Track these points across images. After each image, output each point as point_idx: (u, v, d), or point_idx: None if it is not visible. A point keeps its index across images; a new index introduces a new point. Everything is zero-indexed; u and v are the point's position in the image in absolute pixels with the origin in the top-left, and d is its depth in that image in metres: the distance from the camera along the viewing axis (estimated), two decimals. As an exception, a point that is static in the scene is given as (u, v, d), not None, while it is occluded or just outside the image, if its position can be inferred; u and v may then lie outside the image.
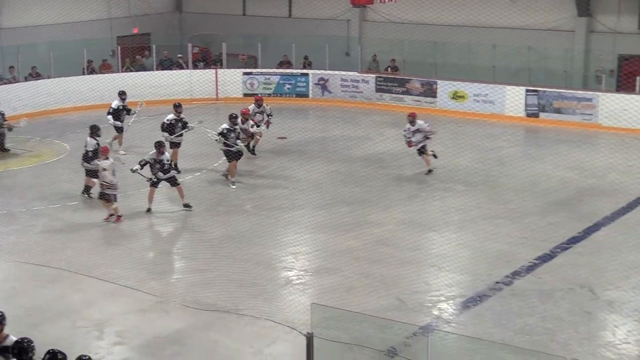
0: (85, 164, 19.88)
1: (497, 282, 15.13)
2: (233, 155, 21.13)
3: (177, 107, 22.43)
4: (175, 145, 22.19)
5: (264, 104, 24.14)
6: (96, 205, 19.40)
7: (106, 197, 18.47)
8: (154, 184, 19.15)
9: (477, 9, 30.78)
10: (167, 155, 19.35)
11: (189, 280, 15.57)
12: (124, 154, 22.89)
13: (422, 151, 22.04)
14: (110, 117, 24.02)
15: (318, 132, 27.05)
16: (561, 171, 22.11)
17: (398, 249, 16.89)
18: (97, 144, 19.76)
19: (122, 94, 24.27)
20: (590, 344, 12.94)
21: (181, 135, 22.16)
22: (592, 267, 15.71)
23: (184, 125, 22.22)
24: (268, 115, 24.00)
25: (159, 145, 19.11)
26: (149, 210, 19.14)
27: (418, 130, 22.02)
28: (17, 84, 29.77)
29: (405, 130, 22.28)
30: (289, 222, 18.70)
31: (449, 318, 13.95)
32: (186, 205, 19.31)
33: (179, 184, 19.40)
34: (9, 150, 24.58)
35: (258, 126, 23.45)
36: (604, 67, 28.97)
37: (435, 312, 14.15)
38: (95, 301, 14.58)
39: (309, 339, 9.50)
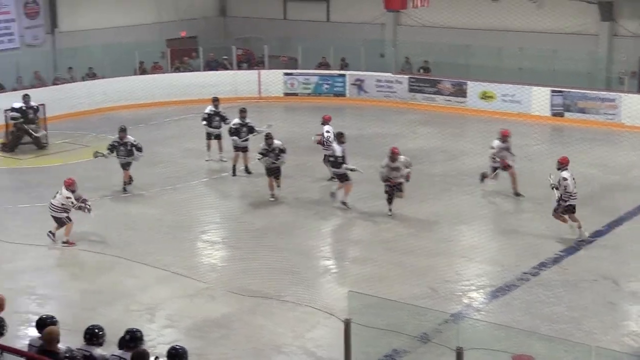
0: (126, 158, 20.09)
1: (524, 273, 15.06)
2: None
3: (242, 111, 21.51)
4: (241, 149, 21.44)
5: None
6: (149, 197, 19.57)
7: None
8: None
9: (505, 14, 30.51)
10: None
11: (235, 268, 15.65)
12: (225, 161, 22.58)
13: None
14: (235, 137, 21.94)
15: (354, 130, 26.91)
16: (585, 168, 21.85)
17: (430, 240, 16.86)
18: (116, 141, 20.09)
19: (215, 101, 23.16)
20: (614, 332, 12.84)
21: (247, 139, 21.31)
22: (616, 260, 15.59)
23: (250, 130, 21.31)
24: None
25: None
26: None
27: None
28: (74, 83, 30.07)
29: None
30: (328, 214, 18.71)
31: (478, 306, 13.92)
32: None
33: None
34: (45, 145, 24.75)
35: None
36: (626, 70, 28.65)
37: (466, 301, 14.11)
38: (148, 286, 14.71)
39: (347, 324, 9.51)
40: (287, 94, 32.11)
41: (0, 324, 9.72)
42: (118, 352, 9.64)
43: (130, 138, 20.06)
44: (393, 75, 31.39)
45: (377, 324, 11.72)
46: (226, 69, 32.91)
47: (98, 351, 9.76)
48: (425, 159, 23.05)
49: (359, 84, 31.81)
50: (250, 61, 34.30)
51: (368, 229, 17.54)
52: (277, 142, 19.61)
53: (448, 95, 30.31)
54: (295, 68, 32.88)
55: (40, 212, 18.77)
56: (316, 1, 35.58)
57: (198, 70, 32.64)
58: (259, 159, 19.66)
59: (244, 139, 21.34)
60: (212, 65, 33.28)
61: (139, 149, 20.04)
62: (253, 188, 20.71)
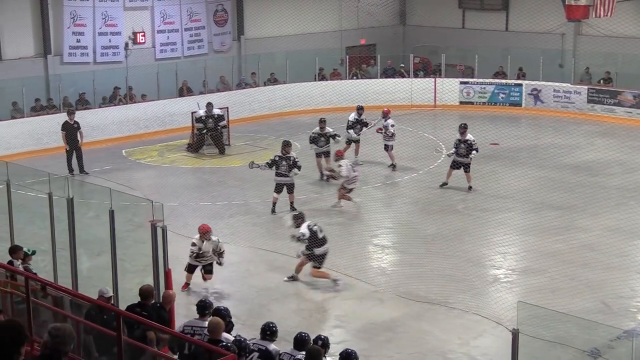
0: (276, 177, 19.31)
1: None
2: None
3: (322, 122, 22.10)
4: (320, 155, 21.95)
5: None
6: (321, 200, 19.82)
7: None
8: None
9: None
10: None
11: (404, 273, 15.61)
12: (362, 164, 22.89)
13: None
14: (351, 130, 23.47)
15: (529, 140, 26.41)
16: None
17: (604, 254, 16.24)
18: (279, 157, 19.30)
19: (359, 109, 23.67)
20: None
21: (328, 144, 21.83)
22: None
23: (328, 139, 21.80)
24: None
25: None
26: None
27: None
28: (257, 88, 30.92)
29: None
30: (499, 223, 18.38)
31: (653, 324, 13.29)
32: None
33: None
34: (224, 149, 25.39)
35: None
36: None
37: (640, 318, 13.52)
38: (319, 287, 14.84)
39: (515, 334, 9.28)
40: (462, 103, 31.77)
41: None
42: (288, 349, 9.83)
43: (292, 154, 19.55)
44: (572, 86, 30.46)
45: (545, 336, 11.39)
46: (403, 76, 32.94)
47: (272, 346, 9.98)
48: (602, 172, 22.28)
49: (535, 94, 31.07)
50: (426, 69, 34.16)
51: (540, 240, 17.08)
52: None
53: (629, 107, 29.12)
54: (472, 77, 32.50)
55: (219, 210, 19.41)
56: (495, 11, 35.02)
57: (375, 77, 32.82)
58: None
59: (324, 145, 21.88)
60: (389, 72, 33.37)
61: (299, 167, 19.32)
62: (426, 194, 20.60)
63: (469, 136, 20.86)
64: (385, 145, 23.07)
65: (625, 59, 30.20)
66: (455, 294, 14.31)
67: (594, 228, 17.77)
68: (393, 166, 22.95)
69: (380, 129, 23.14)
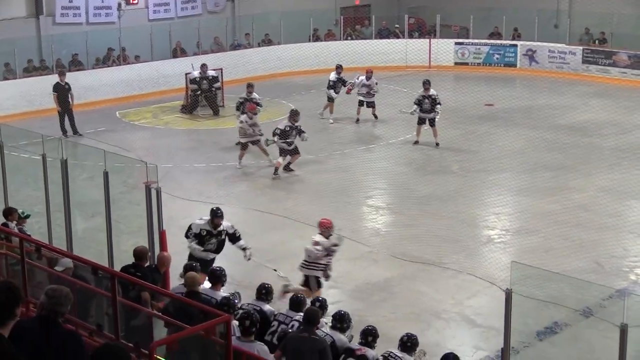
0: (281, 142, 18.85)
1: (697, 252, 14.35)
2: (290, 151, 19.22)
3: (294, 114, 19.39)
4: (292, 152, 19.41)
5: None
6: (317, 161, 19.81)
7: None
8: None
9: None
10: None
11: (398, 234, 15.64)
12: (332, 123, 23.40)
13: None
14: (331, 90, 23.95)
15: (524, 101, 26.37)
16: None
17: (597, 214, 16.28)
18: (288, 126, 18.85)
19: (339, 68, 24.27)
20: None
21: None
22: None
23: (299, 133, 19.12)
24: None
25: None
26: None
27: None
28: (251, 49, 30.76)
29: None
30: (493, 184, 18.39)
31: (646, 283, 13.37)
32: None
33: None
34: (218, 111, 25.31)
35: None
36: None
37: (633, 277, 13.60)
38: (312, 248, 14.86)
39: (508, 294, 9.30)
40: (457, 63, 31.70)
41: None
42: (284, 310, 9.88)
43: (299, 123, 19.09)
44: (567, 46, 30.36)
45: (538, 296, 11.45)
46: (397, 37, 32.78)
47: (267, 307, 10.02)
48: (596, 132, 22.29)
49: (530, 55, 30.98)
50: (421, 30, 33.98)
51: (534, 200, 17.12)
52: None
53: (624, 67, 29.06)
54: (467, 37, 32.36)
55: (213, 171, 19.41)
56: (491, -30, 34.79)
57: (370, 38, 32.67)
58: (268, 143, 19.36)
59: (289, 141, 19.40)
60: (384, 33, 33.22)
61: (303, 131, 19.03)
62: (420, 155, 20.62)
63: (432, 91, 21.12)
64: (369, 102, 23.49)
65: (620, 19, 30.06)
66: (449, 254, 14.36)
67: (587, 188, 17.81)
68: (375, 116, 23.70)
69: (350, 89, 23.76)
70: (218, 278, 10.37)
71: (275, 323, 9.71)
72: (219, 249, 12.72)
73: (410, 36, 32.72)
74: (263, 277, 11.98)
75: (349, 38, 32.93)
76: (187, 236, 12.48)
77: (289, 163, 19.19)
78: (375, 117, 23.67)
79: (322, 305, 9.81)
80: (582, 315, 11.93)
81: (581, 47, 30.13)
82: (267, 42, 31.46)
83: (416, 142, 21.25)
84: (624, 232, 15.55)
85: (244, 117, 19.71)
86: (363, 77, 23.57)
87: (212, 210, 12.61)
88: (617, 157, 20.12)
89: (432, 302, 12.78)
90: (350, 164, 19.68)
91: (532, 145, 21.11)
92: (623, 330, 7.55)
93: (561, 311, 11.60)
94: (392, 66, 30.21)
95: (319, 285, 12.16)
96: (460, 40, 32.13)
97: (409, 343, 9.03)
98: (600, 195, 17.37)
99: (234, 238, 12.84)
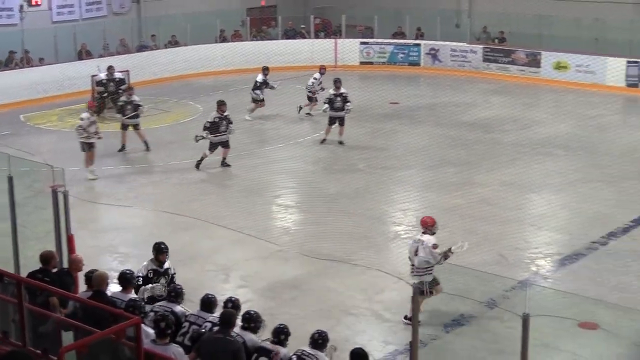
0: (210, 135, 18.98)
1: (593, 242, 14.76)
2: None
3: (221, 104, 19.51)
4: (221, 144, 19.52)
5: None
6: (226, 161, 19.70)
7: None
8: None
9: (583, -16, 29.89)
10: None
11: (307, 232, 15.67)
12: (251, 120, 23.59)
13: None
14: (258, 91, 23.97)
15: (428, 99, 26.76)
16: (659, 138, 21.35)
17: (500, 208, 16.63)
18: (218, 117, 19.06)
19: (265, 70, 24.19)
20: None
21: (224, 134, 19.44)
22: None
23: (229, 123, 19.36)
24: None
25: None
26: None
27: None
28: (157, 50, 30.37)
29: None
30: (399, 180, 18.60)
31: (546, 274, 13.69)
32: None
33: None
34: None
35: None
36: None
37: (534, 268, 13.91)
38: (222, 248, 14.83)
39: (416, 288, 9.42)
40: (362, 63, 31.98)
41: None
42: (195, 311, 9.77)
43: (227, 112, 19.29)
44: (468, 45, 30.94)
45: (445, 289, 11.65)
46: (304, 37, 32.86)
47: (178, 308, 9.90)
48: (497, 128, 22.77)
49: (433, 53, 31.44)
50: (327, 30, 34.14)
51: (440, 195, 17.37)
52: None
53: (522, 65, 29.75)
54: (372, 37, 32.65)
55: (122, 174, 19.13)
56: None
57: (276, 38, 32.66)
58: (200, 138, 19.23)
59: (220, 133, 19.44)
60: (290, 34, 33.25)
61: (231, 122, 19.39)
62: (327, 154, 20.70)
63: (342, 90, 21.19)
64: (315, 98, 24.05)
65: (518, 19, 30.78)
66: (358, 251, 14.45)
67: (490, 183, 18.17)
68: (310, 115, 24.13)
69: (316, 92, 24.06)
70: (128, 281, 10.20)
71: (187, 324, 9.61)
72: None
73: (317, 36, 32.86)
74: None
75: (256, 39, 32.85)
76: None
77: (224, 159, 19.31)
78: (304, 113, 24.18)
79: (235, 305, 9.74)
80: (487, 306, 12.15)
81: (482, 46, 30.75)
82: (173, 43, 31.12)
83: (324, 141, 21.32)
84: (525, 224, 15.91)
85: (85, 114, 18.86)
86: (318, 74, 24.12)
87: (155, 246, 11.41)
88: (517, 152, 20.58)
89: (342, 298, 12.83)
90: (258, 164, 19.62)
91: (436, 142, 21.43)
92: (525, 320, 7.69)
93: (467, 303, 11.80)
94: (298, 66, 30.26)
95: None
96: (365, 40, 32.39)
97: (319, 340, 9.04)
98: (503, 189, 17.75)
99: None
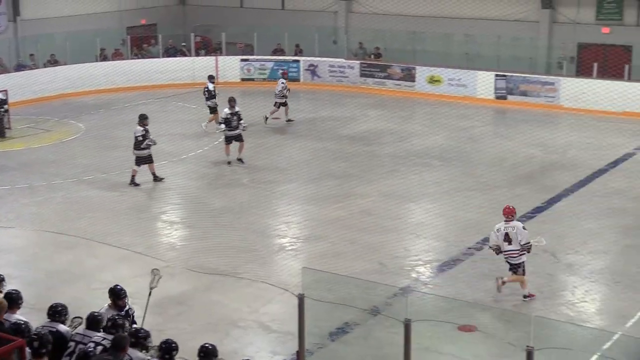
0: (135, 151, 19.07)
1: (469, 248, 15.14)
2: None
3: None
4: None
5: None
6: (109, 180, 19.34)
7: None
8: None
9: (452, 2, 30.72)
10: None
11: (193, 247, 15.54)
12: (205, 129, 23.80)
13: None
14: (214, 100, 24.18)
15: (308, 113, 26.94)
16: (526, 148, 22.11)
17: (380, 218, 16.87)
18: (144, 130, 18.98)
19: (211, 77, 24.56)
20: (552, 302, 12.97)
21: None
22: (554, 234, 15.67)
23: (240, 118, 20.77)
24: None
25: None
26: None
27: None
28: (36, 70, 29.55)
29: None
30: (282, 194, 18.65)
31: (426, 280, 13.96)
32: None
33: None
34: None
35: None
36: (565, 55, 28.92)
37: (414, 275, 14.15)
38: (108, 265, 14.52)
39: (301, 299, 9.45)
40: (243, 79, 31.95)
41: None
42: (81, 330, 9.51)
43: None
44: (345, 61, 31.35)
45: (329, 299, 11.67)
46: (185, 55, 32.62)
47: (62, 327, 9.62)
48: (375, 141, 23.10)
49: (312, 69, 31.71)
50: (207, 48, 34.01)
51: (322, 208, 17.50)
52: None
53: (398, 79, 30.32)
54: (252, 54, 32.69)
55: (2, 194, 18.52)
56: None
57: (157, 57, 32.30)
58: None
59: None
60: (171, 52, 32.96)
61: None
62: (211, 170, 20.59)
63: (236, 108, 21.01)
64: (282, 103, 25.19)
65: (392, 35, 31.41)
66: (243, 264, 14.41)
67: (370, 194, 18.42)
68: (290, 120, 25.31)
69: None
70: (14, 301, 9.87)
71: (72, 343, 9.35)
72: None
73: (197, 54, 32.67)
74: (57, 298, 11.55)
75: (137, 57, 32.41)
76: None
77: (154, 173, 19.24)
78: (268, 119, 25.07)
79: (117, 324, 9.45)
80: (370, 314, 12.27)
81: (359, 62, 31.19)
82: (53, 62, 30.36)
83: (229, 163, 20.85)
84: (405, 233, 16.20)
85: None
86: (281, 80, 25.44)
87: (112, 290, 10.44)
88: (395, 164, 20.94)
89: (229, 311, 12.77)
90: (142, 181, 19.32)
91: (317, 155, 21.60)
92: (407, 325, 7.83)
93: (351, 312, 11.89)
94: (180, 84, 30.04)
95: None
96: (246, 57, 32.41)
97: (204, 354, 8.95)
98: (382, 200, 18.02)
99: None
